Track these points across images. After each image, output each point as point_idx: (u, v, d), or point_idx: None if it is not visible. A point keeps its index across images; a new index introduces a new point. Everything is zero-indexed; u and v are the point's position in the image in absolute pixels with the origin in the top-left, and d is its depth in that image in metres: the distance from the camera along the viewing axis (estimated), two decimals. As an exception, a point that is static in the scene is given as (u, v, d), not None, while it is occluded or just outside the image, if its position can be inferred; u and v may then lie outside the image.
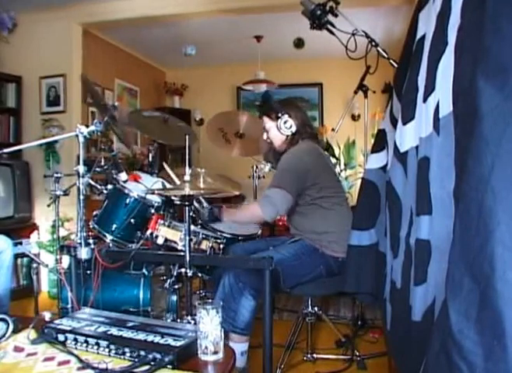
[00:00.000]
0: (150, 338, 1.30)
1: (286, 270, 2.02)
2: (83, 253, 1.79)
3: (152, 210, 2.08)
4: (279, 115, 2.27)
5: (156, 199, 2.11)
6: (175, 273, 2.12)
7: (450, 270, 0.75)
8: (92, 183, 1.91)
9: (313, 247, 2.16)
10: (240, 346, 1.95)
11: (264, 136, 2.39)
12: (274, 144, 2.37)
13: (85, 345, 1.31)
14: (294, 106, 2.35)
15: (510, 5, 0.74)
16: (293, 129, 2.27)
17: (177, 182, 2.09)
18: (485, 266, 0.67)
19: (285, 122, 2.26)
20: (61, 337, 1.34)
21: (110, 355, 1.27)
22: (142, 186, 2.09)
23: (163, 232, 2.06)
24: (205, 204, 2.23)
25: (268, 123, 2.34)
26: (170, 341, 1.28)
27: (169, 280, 2.14)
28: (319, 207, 2.19)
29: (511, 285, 0.65)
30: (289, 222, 2.38)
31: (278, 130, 2.28)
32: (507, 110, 0.70)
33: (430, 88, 1.05)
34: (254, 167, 3.44)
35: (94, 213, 2.13)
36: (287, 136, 2.29)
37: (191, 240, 1.84)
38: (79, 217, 1.80)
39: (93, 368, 1.18)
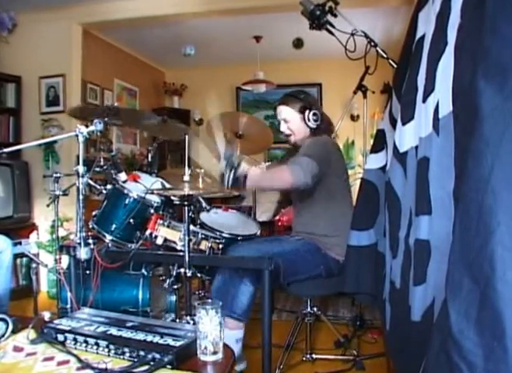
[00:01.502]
0: (149, 338, 1.30)
1: (286, 263, 2.00)
2: (82, 253, 1.78)
3: (152, 211, 2.08)
4: (307, 106, 2.23)
5: (155, 199, 2.11)
6: (174, 274, 2.12)
7: (450, 270, 0.75)
8: (92, 183, 1.91)
9: (317, 246, 2.15)
10: (235, 333, 1.94)
11: (283, 127, 2.29)
12: (295, 136, 2.29)
13: (84, 345, 1.31)
14: (314, 98, 2.33)
15: (509, 5, 0.74)
16: (319, 122, 2.24)
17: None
18: (485, 267, 0.67)
19: (314, 114, 2.22)
20: (60, 337, 1.34)
21: (109, 355, 1.27)
22: (142, 186, 2.09)
23: (163, 232, 2.05)
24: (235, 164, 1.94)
25: (291, 113, 2.26)
26: (170, 341, 1.28)
27: (168, 281, 2.13)
28: (330, 209, 2.17)
29: (511, 286, 0.65)
30: (298, 221, 2.35)
31: (306, 122, 2.22)
32: (507, 111, 0.70)
33: (430, 88, 1.06)
34: (253, 167, 3.44)
35: (93, 213, 2.13)
36: (312, 129, 2.25)
37: (190, 240, 1.84)
38: (79, 217, 1.79)
39: (93, 368, 1.18)
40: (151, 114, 2.31)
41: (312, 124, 2.23)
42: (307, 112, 2.22)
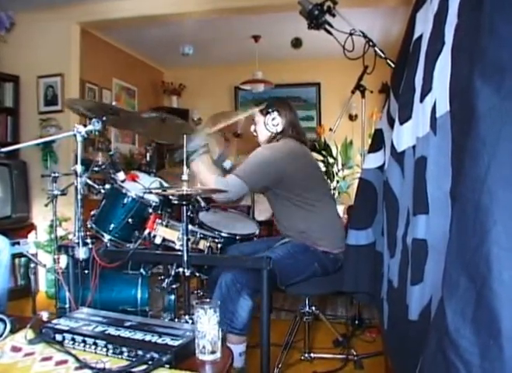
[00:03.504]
0: (148, 337, 1.30)
1: (282, 269, 2.02)
2: (81, 253, 1.78)
3: (150, 210, 2.08)
4: (269, 111, 2.29)
5: (153, 198, 2.11)
6: (173, 273, 2.12)
7: (447, 269, 0.75)
8: (90, 182, 1.91)
9: (305, 245, 2.17)
10: (238, 347, 1.95)
11: (252, 128, 2.42)
12: (259, 138, 2.39)
13: (82, 345, 1.31)
14: (286, 105, 2.36)
15: (507, 5, 0.74)
16: (279, 128, 2.29)
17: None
18: (482, 266, 0.67)
19: (272, 119, 2.28)
20: (58, 337, 1.34)
21: (107, 355, 1.27)
22: (140, 186, 2.09)
23: (161, 232, 2.05)
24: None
25: (258, 116, 2.36)
26: (168, 341, 1.28)
27: (167, 280, 2.14)
28: (300, 209, 2.20)
29: (507, 285, 0.65)
30: (277, 223, 2.39)
31: (265, 126, 2.30)
32: (504, 111, 0.71)
33: (427, 87, 1.06)
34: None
35: (92, 212, 2.13)
36: (271, 133, 2.31)
37: (188, 240, 1.84)
38: (77, 216, 1.79)
39: (91, 368, 1.18)
40: (149, 112, 2.30)
41: (270, 128, 2.30)
42: (268, 116, 2.30)
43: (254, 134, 2.41)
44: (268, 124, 2.29)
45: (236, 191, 2.11)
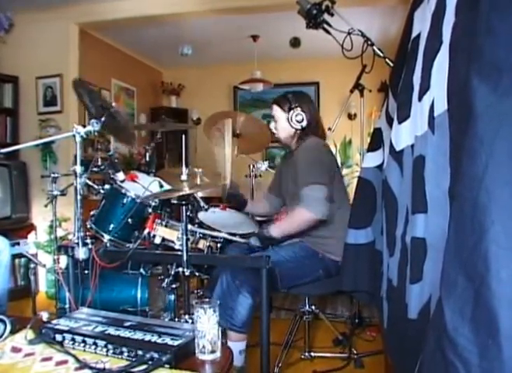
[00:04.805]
0: (148, 337, 1.30)
1: (284, 272, 2.01)
2: (81, 253, 1.78)
3: (150, 210, 2.08)
4: (292, 107, 2.22)
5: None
6: (173, 273, 2.12)
7: (445, 268, 0.76)
8: (90, 182, 1.91)
9: (314, 251, 2.14)
10: (238, 345, 1.96)
11: (272, 125, 2.33)
12: (279, 135, 2.31)
13: (82, 345, 1.31)
14: (308, 100, 2.31)
15: (504, 4, 0.75)
16: (304, 124, 2.22)
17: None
18: (480, 265, 0.67)
19: (296, 115, 2.21)
20: (58, 337, 1.34)
21: (107, 355, 1.27)
22: (139, 186, 2.09)
23: (161, 232, 2.06)
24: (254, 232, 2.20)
25: (278, 112, 2.27)
26: (168, 340, 1.28)
27: (166, 280, 2.14)
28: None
29: (505, 284, 0.65)
30: None
31: (289, 122, 2.22)
32: (501, 109, 0.71)
33: (425, 86, 1.06)
34: (251, 166, 3.45)
35: (91, 213, 2.13)
36: (295, 130, 2.25)
37: (188, 239, 1.84)
38: (77, 217, 1.79)
39: (91, 368, 1.18)
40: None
41: (294, 125, 2.22)
42: (291, 112, 2.22)
43: (274, 131, 2.33)
44: (291, 121, 2.21)
45: (326, 196, 2.04)
